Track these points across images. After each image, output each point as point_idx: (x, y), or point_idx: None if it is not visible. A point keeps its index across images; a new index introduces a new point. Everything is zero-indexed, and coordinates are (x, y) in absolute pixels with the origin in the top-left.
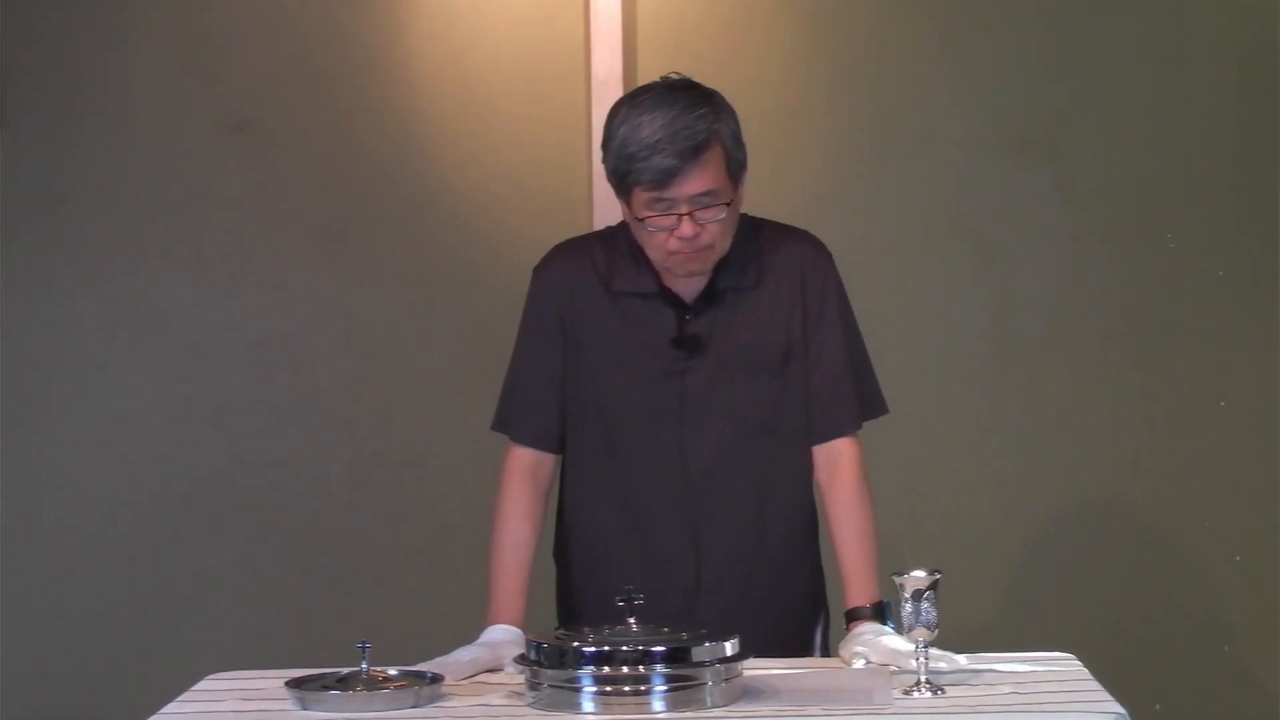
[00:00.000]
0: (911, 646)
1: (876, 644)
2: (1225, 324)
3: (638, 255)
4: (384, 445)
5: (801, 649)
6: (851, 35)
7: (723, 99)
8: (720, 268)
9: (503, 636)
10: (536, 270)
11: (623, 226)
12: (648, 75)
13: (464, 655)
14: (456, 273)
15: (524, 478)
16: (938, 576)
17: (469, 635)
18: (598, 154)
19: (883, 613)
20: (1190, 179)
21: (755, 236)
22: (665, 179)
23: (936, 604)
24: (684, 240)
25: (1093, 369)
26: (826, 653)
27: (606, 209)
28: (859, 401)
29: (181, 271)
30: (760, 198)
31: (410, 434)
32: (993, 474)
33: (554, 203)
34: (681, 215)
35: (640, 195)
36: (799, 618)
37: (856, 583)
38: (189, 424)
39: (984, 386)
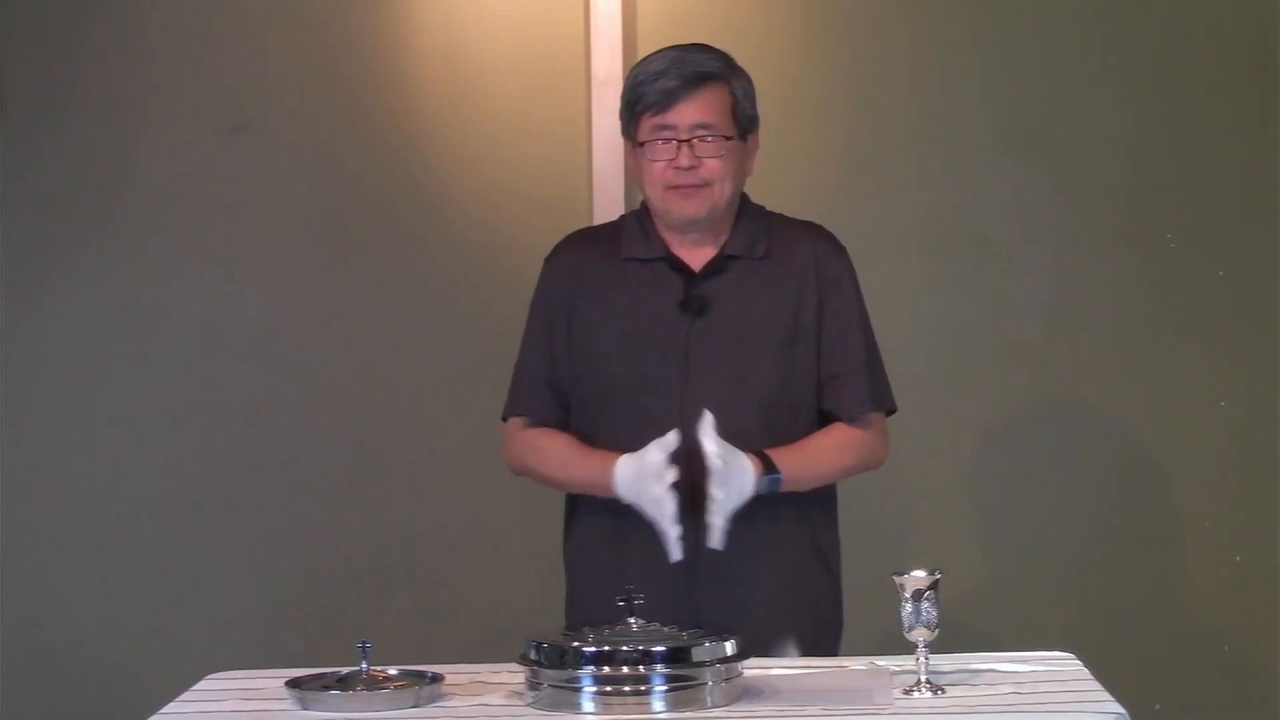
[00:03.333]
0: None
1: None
2: (1225, 324)
3: (647, 227)
4: (384, 445)
5: (811, 619)
6: (851, 35)
7: (740, 66)
8: (729, 237)
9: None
10: (547, 259)
11: (633, 211)
12: None
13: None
14: (456, 272)
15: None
16: (938, 576)
17: (469, 635)
18: (598, 154)
19: (765, 472)
20: (1190, 179)
21: (765, 217)
22: (667, 100)
23: (936, 604)
24: (680, 170)
25: (1093, 369)
26: (840, 622)
27: (606, 209)
28: (872, 394)
29: (181, 271)
30: (759, 196)
31: (410, 434)
32: (992, 473)
33: (554, 203)
34: (680, 142)
35: (645, 123)
36: (810, 591)
37: (784, 449)
38: (189, 423)
39: (984, 386)
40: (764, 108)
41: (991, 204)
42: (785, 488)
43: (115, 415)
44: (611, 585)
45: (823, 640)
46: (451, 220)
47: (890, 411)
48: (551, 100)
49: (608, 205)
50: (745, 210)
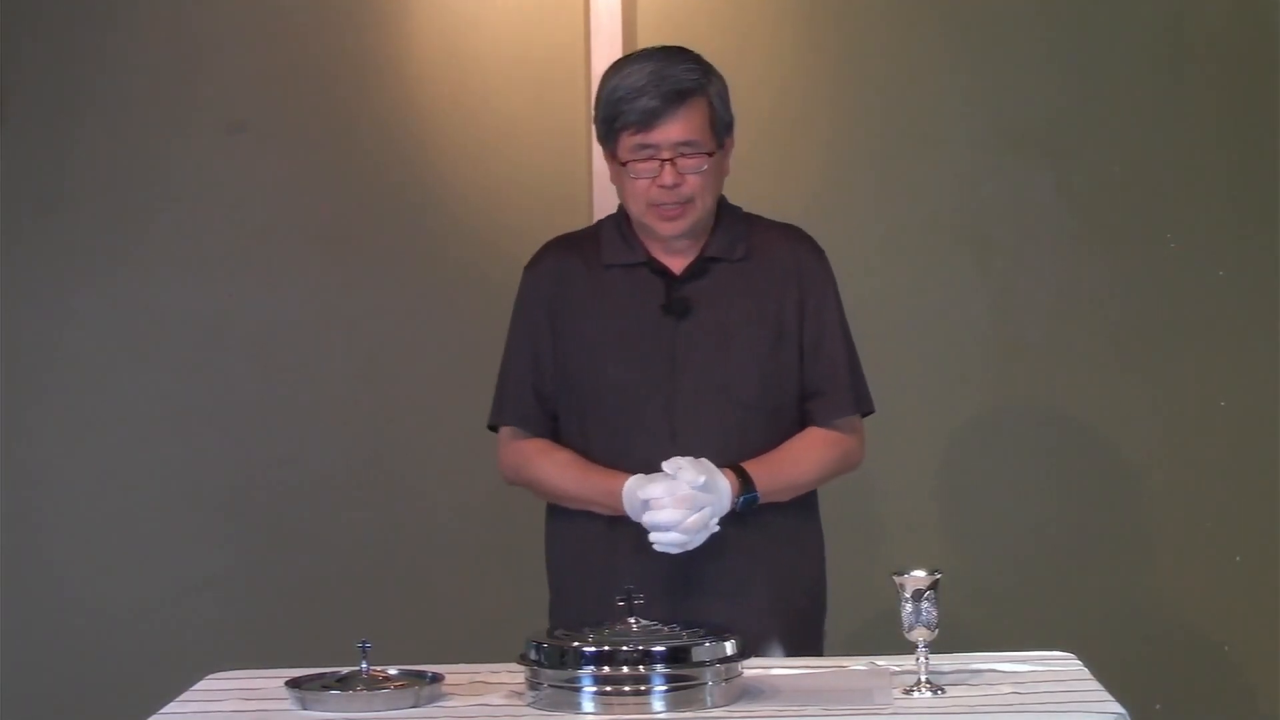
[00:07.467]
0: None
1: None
2: (1225, 324)
3: (626, 232)
4: (384, 445)
5: (799, 614)
6: (852, 35)
7: (713, 66)
8: (709, 240)
9: (640, 480)
10: (527, 267)
11: (611, 216)
12: None
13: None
14: (456, 272)
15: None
16: (938, 576)
17: (469, 635)
18: (598, 154)
19: (742, 490)
20: (1190, 179)
21: (744, 219)
22: (649, 120)
23: (937, 604)
24: (665, 189)
25: (1093, 369)
26: (823, 613)
27: (606, 208)
28: (854, 399)
29: (181, 271)
30: (761, 197)
31: (410, 434)
32: (992, 473)
33: (554, 203)
34: (663, 161)
35: (625, 141)
36: (796, 595)
37: (762, 460)
38: (189, 424)
39: (984, 386)
40: (763, 106)
41: (991, 204)
42: (764, 500)
43: (116, 415)
44: (602, 587)
45: (808, 634)
46: (452, 220)
47: (868, 413)
48: (551, 100)
49: (608, 204)
50: (724, 212)
